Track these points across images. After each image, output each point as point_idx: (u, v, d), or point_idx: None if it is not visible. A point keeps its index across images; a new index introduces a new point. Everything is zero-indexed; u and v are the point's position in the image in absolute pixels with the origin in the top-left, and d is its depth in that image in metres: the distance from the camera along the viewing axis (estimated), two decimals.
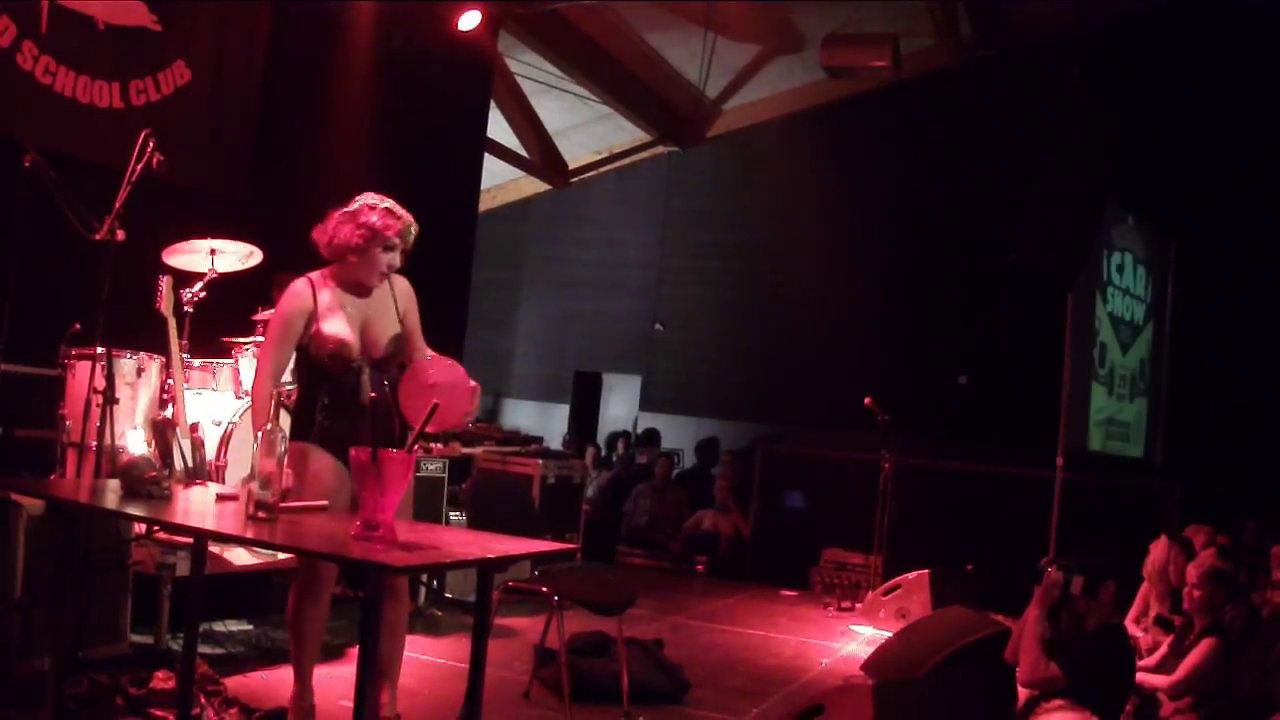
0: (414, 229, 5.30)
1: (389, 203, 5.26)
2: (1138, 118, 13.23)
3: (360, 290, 5.26)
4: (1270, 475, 13.38)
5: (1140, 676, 6.75)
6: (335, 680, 6.47)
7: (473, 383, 5.35)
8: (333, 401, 5.12)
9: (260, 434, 4.23)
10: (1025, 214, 11.43)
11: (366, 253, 5.13)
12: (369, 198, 5.23)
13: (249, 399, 7.66)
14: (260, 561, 7.10)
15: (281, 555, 6.91)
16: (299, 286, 5.18)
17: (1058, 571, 5.82)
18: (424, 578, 8.53)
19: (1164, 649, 7.50)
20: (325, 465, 5.07)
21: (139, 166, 6.53)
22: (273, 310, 8.31)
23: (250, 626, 7.48)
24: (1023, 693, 6.57)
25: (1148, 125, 13.52)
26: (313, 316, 5.12)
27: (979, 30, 14.92)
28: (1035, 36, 14.69)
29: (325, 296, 5.17)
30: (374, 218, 5.14)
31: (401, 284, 5.46)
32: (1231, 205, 13.81)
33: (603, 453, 16.69)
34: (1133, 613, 8.89)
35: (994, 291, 13.90)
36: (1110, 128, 12.37)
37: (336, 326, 5.11)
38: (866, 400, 11.58)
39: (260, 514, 3.98)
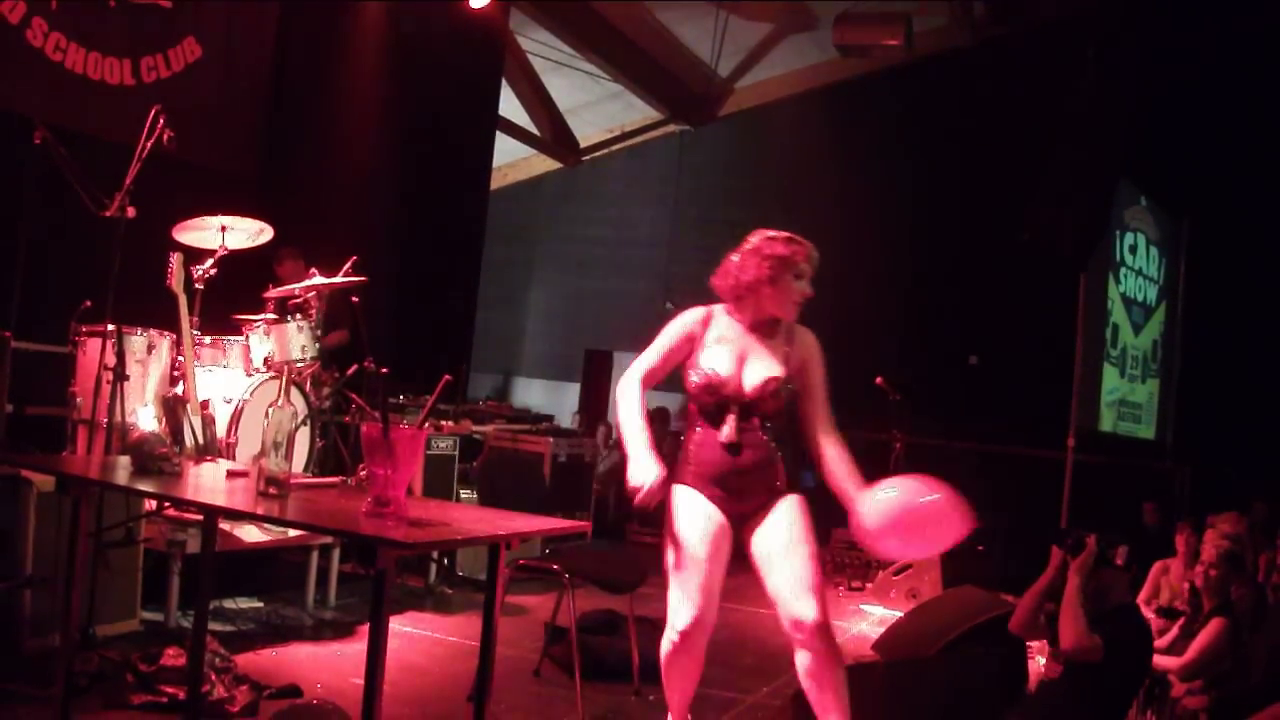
0: (816, 254, 5.05)
1: (785, 234, 5.10)
2: (1151, 99, 13.18)
3: (768, 330, 5.03)
4: None
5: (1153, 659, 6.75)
6: (346, 659, 6.48)
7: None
8: (702, 439, 4.94)
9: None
10: (1038, 194, 11.41)
11: (779, 282, 4.96)
12: (765, 233, 5.04)
13: (259, 375, 7.69)
14: (271, 538, 7.09)
15: (292, 532, 6.92)
16: (696, 311, 5.06)
17: (1095, 542, 5.79)
18: (435, 555, 8.53)
19: (1175, 631, 7.49)
20: (693, 506, 4.89)
21: (149, 143, 6.53)
22: (283, 287, 8.36)
23: (260, 604, 7.48)
24: (1034, 670, 6.58)
25: (1161, 106, 13.47)
26: (696, 344, 4.97)
27: (992, 9, 14.87)
28: (1049, 16, 14.62)
29: (718, 330, 5.00)
30: (780, 247, 5.00)
31: (806, 335, 5.14)
32: (1244, 187, 13.77)
33: (613, 432, 16.68)
34: (1144, 593, 8.89)
35: (1006, 271, 13.86)
36: (1123, 108, 12.34)
37: (713, 360, 4.91)
38: (878, 379, 11.56)
39: (270, 490, 3.97)
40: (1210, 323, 14.85)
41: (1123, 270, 14.41)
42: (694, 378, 4.88)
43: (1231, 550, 7.09)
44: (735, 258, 4.98)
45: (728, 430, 4.83)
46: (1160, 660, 6.91)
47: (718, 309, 5.02)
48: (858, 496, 4.86)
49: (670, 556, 4.83)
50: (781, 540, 4.89)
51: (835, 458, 5.00)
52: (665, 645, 4.92)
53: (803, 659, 4.81)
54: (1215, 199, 14.20)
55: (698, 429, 4.92)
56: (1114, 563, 5.84)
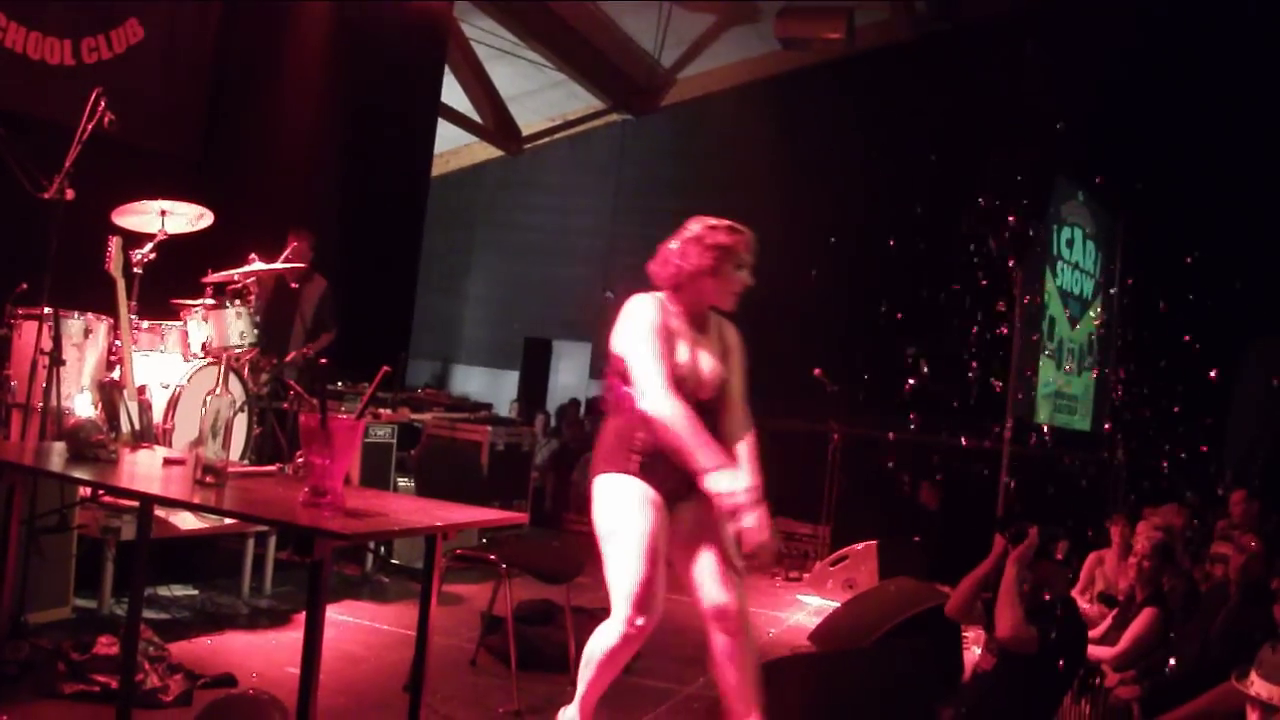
0: (755, 243, 4.97)
1: (726, 222, 5.03)
2: (1088, 95, 13.28)
3: (702, 322, 4.99)
4: (1214, 449, 13.54)
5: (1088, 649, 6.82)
6: (282, 648, 6.45)
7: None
8: (653, 433, 4.71)
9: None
10: (976, 188, 11.49)
11: (720, 272, 4.89)
12: (705, 221, 4.97)
13: (197, 361, 7.63)
14: (207, 526, 7.04)
15: (228, 520, 6.88)
16: (651, 300, 4.90)
17: (1037, 534, 5.83)
18: (371, 544, 8.51)
19: (1108, 621, 7.58)
20: (646, 499, 4.76)
21: (90, 125, 6.47)
22: (223, 272, 8.29)
23: (196, 592, 7.42)
24: (970, 660, 6.63)
25: (1098, 102, 13.58)
26: (668, 336, 4.83)
27: (933, 5, 14.95)
28: (988, 13, 14.72)
29: (674, 322, 4.89)
30: (723, 236, 4.91)
31: (729, 327, 5.14)
32: (1179, 182, 13.89)
33: (552, 421, 16.69)
34: (1079, 585, 8.98)
35: (943, 264, 13.94)
36: (1061, 104, 12.43)
37: (684, 355, 4.84)
38: (815, 371, 11.62)
39: (207, 478, 3.95)
40: (1145, 315, 14.99)
41: (1060, 264, 14.52)
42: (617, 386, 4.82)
43: (1163, 542, 7.20)
44: (674, 245, 4.93)
45: (643, 432, 4.74)
46: (1094, 650, 6.99)
47: (661, 298, 4.93)
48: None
49: (627, 551, 4.72)
50: (706, 529, 4.86)
51: (744, 455, 4.92)
52: (613, 638, 4.82)
53: (724, 644, 4.84)
54: (1151, 194, 14.32)
55: (634, 420, 4.77)
56: (1054, 556, 5.89)
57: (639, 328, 4.76)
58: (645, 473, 4.77)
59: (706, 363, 4.91)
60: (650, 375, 4.65)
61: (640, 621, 4.75)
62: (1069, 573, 6.08)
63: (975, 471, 12.55)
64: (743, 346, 5.13)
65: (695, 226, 4.93)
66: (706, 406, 4.82)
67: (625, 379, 4.76)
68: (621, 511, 4.75)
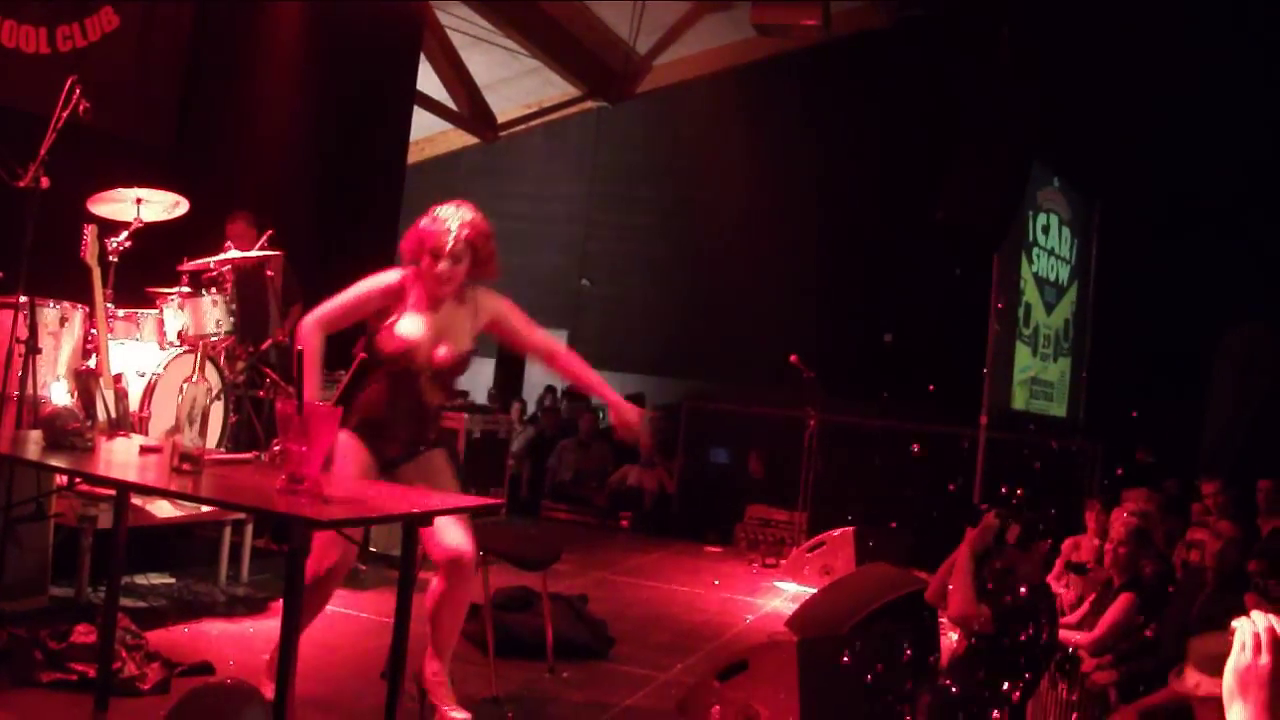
0: (465, 234, 5.08)
1: (448, 209, 5.14)
2: (1065, 81, 13.31)
3: (446, 299, 5.16)
4: (1190, 435, 13.59)
5: (1062, 634, 6.85)
6: (259, 635, 6.44)
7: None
8: (387, 398, 5.05)
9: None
10: (952, 174, 11.51)
11: (419, 260, 5.08)
12: (435, 208, 5.15)
13: (173, 349, 7.61)
14: (184, 514, 7.03)
15: (205, 508, 6.86)
16: (393, 274, 5.13)
17: (995, 517, 5.87)
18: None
19: (1085, 607, 7.62)
20: (355, 456, 5.01)
21: (65, 113, 6.45)
22: (199, 260, 8.28)
23: (173, 580, 7.41)
24: (946, 646, 6.66)
25: (1074, 88, 13.61)
26: (391, 308, 5.07)
27: None
28: None
29: (413, 297, 5.09)
30: (423, 223, 5.09)
31: (487, 296, 5.35)
32: (1155, 169, 13.93)
33: (529, 408, 16.68)
34: (1056, 569, 9.01)
35: (920, 250, 13.96)
36: (1037, 90, 12.45)
37: (409, 328, 5.03)
38: (792, 357, 11.64)
39: (184, 466, 3.94)
40: (1121, 302, 15.05)
41: (1035, 250, 14.56)
42: (387, 341, 5.00)
43: (1139, 527, 7.23)
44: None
45: (411, 393, 5.05)
46: (1070, 635, 7.03)
47: (411, 274, 5.13)
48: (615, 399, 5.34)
49: None
50: (437, 483, 5.09)
51: (571, 357, 5.54)
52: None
53: (447, 590, 5.12)
54: (1126, 181, 14.36)
55: (376, 383, 5.08)
56: (1005, 540, 5.92)
57: (361, 283, 5.09)
58: (364, 429, 5.06)
59: (442, 337, 5.11)
60: (321, 309, 5.02)
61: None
62: (1039, 557, 6.09)
63: (952, 457, 12.59)
64: (511, 307, 5.47)
65: (428, 215, 5.10)
66: (438, 375, 5.13)
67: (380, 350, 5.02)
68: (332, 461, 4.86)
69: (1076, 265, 15.86)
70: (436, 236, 5.05)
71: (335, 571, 5.07)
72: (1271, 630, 2.31)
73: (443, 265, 5.04)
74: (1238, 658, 2.31)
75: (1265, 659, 2.27)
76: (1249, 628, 2.33)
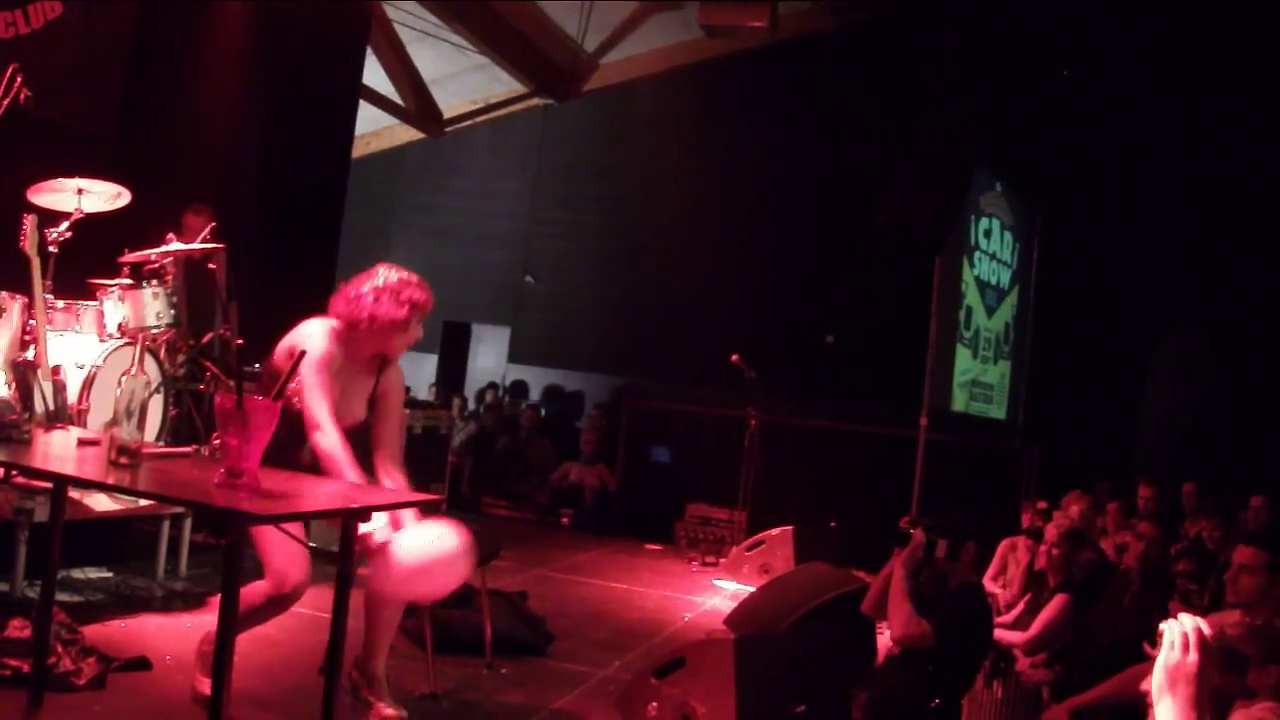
0: None
1: (416, 277, 5.19)
2: (1008, 87, 13.43)
3: (361, 362, 5.19)
4: (1125, 438, 13.74)
5: (997, 634, 6.93)
6: (197, 630, 6.41)
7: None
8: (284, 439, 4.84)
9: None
10: (895, 178, 11.58)
11: (409, 329, 5.10)
12: (391, 271, 5.14)
13: (113, 342, 7.55)
14: (121, 508, 6.98)
15: (143, 502, 6.82)
16: (325, 329, 5.04)
17: (922, 534, 5.93)
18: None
19: (1021, 607, 7.70)
20: None
21: (6, 101, 6.40)
22: (141, 252, 8.21)
23: (110, 574, 7.36)
24: (883, 645, 6.71)
25: (1017, 94, 13.73)
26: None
27: None
28: (910, 3, 14.80)
29: (339, 356, 5.05)
30: (418, 293, 5.10)
31: (395, 373, 5.39)
32: (1095, 176, 14.08)
33: (470, 404, 16.66)
34: (991, 570, 9.10)
35: (862, 253, 14.04)
36: (980, 96, 12.55)
37: (337, 388, 5.05)
38: (733, 357, 11.67)
39: (122, 459, 3.92)
40: (1060, 306, 15.19)
41: (977, 254, 14.67)
42: (296, 405, 4.89)
43: (1072, 528, 7.33)
44: (368, 289, 5.06)
45: (307, 451, 4.96)
46: (1005, 635, 7.11)
47: (334, 327, 5.08)
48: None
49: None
50: None
51: (381, 460, 5.34)
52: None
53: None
54: (1067, 186, 14.50)
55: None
56: (934, 555, 5.98)
57: (316, 358, 4.89)
58: None
59: (355, 399, 5.19)
60: (319, 410, 4.87)
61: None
62: (969, 561, 6.16)
63: (891, 459, 12.68)
64: (402, 388, 5.55)
65: (391, 275, 5.11)
66: (349, 432, 5.05)
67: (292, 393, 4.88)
68: None
69: (1018, 269, 15.99)
70: (430, 301, 5.16)
71: (298, 591, 5.04)
72: (1199, 631, 2.42)
73: (419, 331, 5.15)
74: (1167, 656, 2.43)
75: (1193, 657, 2.38)
76: (1177, 628, 2.44)
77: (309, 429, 4.86)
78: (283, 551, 4.87)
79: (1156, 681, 2.45)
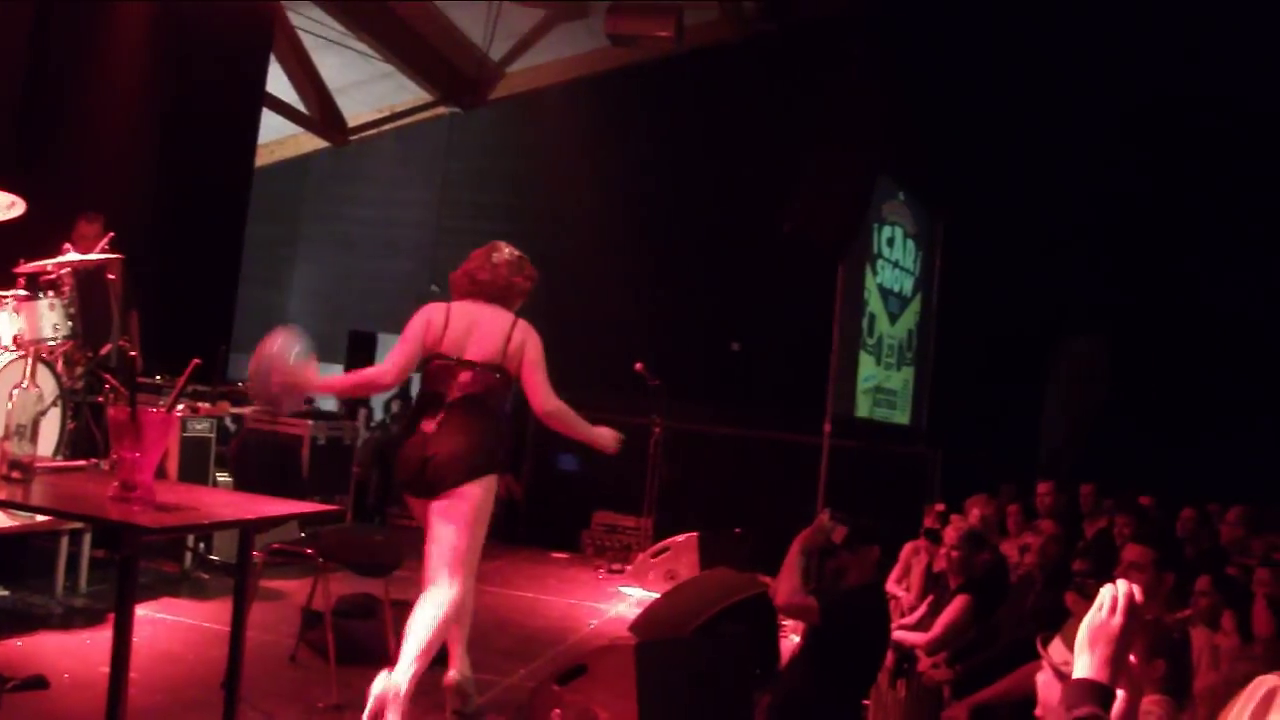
0: None
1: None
2: (911, 97, 13.58)
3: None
4: (1029, 441, 13.92)
5: (899, 634, 7.01)
6: (96, 647, 6.35)
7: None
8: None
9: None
10: (799, 187, 11.66)
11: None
12: (503, 247, 6.12)
13: (7, 354, 7.44)
14: (17, 524, 6.88)
15: (40, 518, 6.74)
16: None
17: (829, 520, 6.01)
18: (189, 541, 8.39)
19: (923, 608, 7.79)
20: None
21: None
22: (36, 262, 8.12)
23: (6, 592, 7.27)
24: (787, 649, 6.77)
25: (921, 105, 13.88)
26: None
27: (761, 6, 15.13)
28: (815, 14, 14.93)
29: None
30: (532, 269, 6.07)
31: None
32: (996, 185, 14.25)
33: (375, 414, 16.57)
34: (895, 573, 9.20)
35: (767, 261, 14.11)
36: (884, 106, 12.69)
37: None
38: (637, 365, 11.71)
39: (13, 474, 3.88)
40: (963, 313, 15.36)
41: (880, 262, 14.79)
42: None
43: (971, 530, 7.43)
44: (499, 260, 5.54)
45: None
46: (907, 636, 7.20)
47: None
48: None
49: (482, 535, 5.55)
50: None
51: None
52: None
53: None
54: (969, 195, 14.66)
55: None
56: (830, 539, 6.07)
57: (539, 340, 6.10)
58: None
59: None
60: (548, 390, 6.29)
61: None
62: (873, 561, 6.22)
63: (795, 465, 12.76)
64: None
65: (512, 252, 5.54)
66: None
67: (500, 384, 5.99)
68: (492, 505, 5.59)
69: (920, 277, 16.14)
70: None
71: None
72: (1130, 595, 2.49)
73: None
74: (1094, 616, 2.51)
75: (1118, 619, 2.46)
76: (1110, 591, 2.52)
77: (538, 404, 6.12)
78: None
79: (1080, 638, 2.51)
